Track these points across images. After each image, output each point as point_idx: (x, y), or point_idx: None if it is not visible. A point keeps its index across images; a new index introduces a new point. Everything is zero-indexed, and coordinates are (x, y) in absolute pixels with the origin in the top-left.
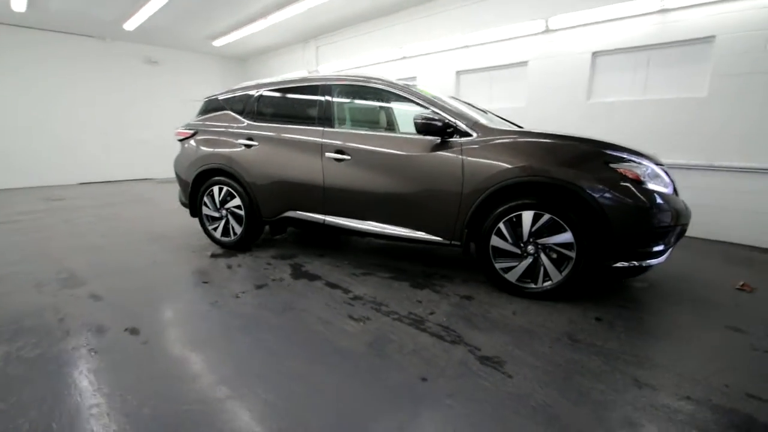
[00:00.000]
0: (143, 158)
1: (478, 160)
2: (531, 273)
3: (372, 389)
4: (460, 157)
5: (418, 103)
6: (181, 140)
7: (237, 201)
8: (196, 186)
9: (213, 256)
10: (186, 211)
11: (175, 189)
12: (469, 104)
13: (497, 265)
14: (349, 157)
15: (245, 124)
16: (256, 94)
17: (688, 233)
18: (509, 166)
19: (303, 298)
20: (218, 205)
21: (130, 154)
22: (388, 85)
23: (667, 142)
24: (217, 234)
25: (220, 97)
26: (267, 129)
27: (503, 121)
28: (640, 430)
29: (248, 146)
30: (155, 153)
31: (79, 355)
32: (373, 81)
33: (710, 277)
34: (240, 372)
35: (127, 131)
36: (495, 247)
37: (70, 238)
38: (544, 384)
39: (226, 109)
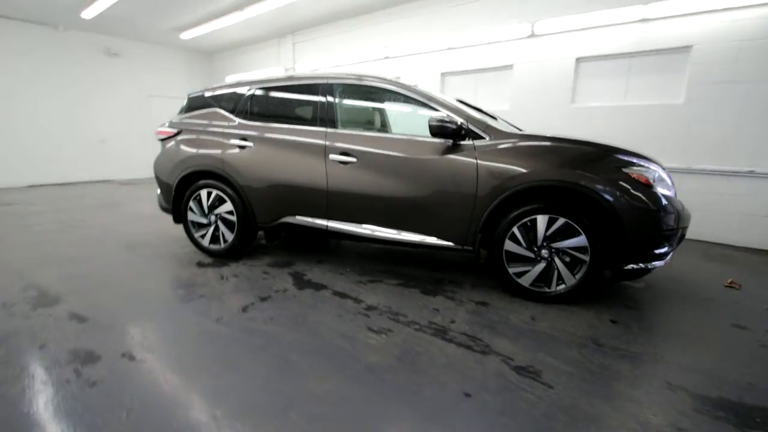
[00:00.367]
0: (103, 158)
1: (493, 163)
2: (544, 277)
3: (417, 408)
4: (475, 160)
5: (428, 105)
6: (162, 140)
7: (228, 206)
8: (181, 190)
9: (201, 265)
10: (165, 217)
11: (144, 192)
12: (478, 108)
13: (511, 270)
14: (355, 160)
15: (236, 123)
16: (249, 92)
17: None
18: (526, 170)
19: (314, 309)
20: (206, 211)
21: (88, 154)
22: (396, 86)
23: (646, 146)
24: (205, 242)
25: (207, 94)
26: (263, 129)
27: (509, 125)
28: None
29: (242, 147)
30: (116, 153)
31: (74, 390)
32: (381, 81)
33: (698, 276)
34: (271, 398)
35: (83, 129)
36: (508, 252)
37: (31, 249)
38: (586, 393)
39: (214, 106)
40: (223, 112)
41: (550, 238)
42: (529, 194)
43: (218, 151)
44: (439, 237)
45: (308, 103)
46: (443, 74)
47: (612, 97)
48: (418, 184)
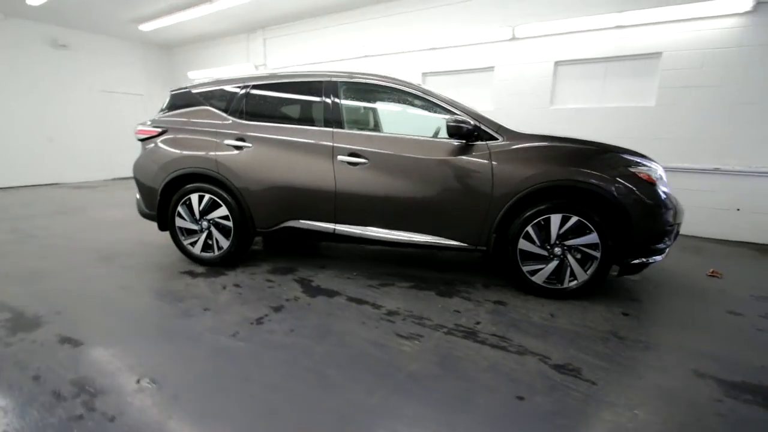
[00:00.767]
0: (52, 159)
1: (508, 164)
2: (557, 274)
3: (475, 417)
4: (489, 161)
5: (440, 106)
6: (143, 140)
7: (223, 210)
8: (167, 194)
9: (194, 275)
10: (139, 223)
11: (107, 195)
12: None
13: (524, 269)
14: (366, 161)
15: (230, 122)
16: (244, 89)
17: None
18: (541, 171)
19: (334, 318)
20: (198, 216)
21: (34, 154)
22: (405, 86)
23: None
24: (196, 249)
25: (194, 91)
26: (262, 129)
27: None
28: (736, 419)
29: (238, 148)
30: (67, 153)
31: (93, 428)
32: (389, 81)
33: (680, 266)
34: (324, 418)
35: (28, 126)
36: (522, 251)
37: None
38: (627, 387)
39: (203, 104)
40: (214, 110)
41: (562, 236)
42: (542, 194)
43: (211, 153)
44: (452, 238)
45: (312, 101)
46: (425, 74)
47: (589, 100)
48: (433, 185)
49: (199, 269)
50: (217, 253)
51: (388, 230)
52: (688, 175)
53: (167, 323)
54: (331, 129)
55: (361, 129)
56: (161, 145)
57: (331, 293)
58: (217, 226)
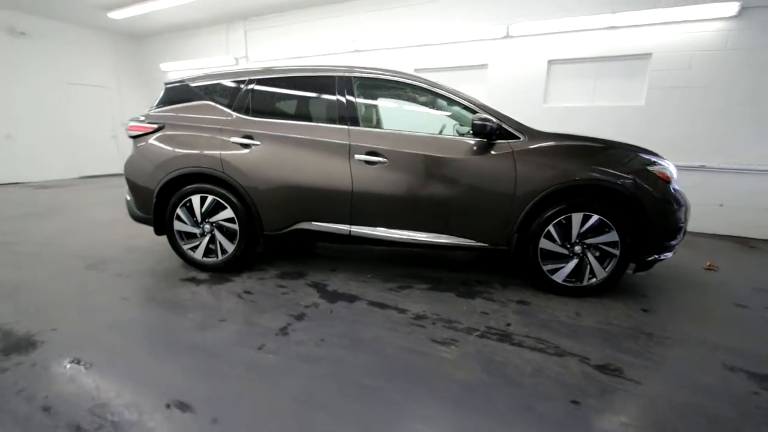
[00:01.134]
0: (9, 157)
1: (531, 162)
2: (576, 272)
3: (540, 426)
4: (513, 159)
5: (461, 104)
6: (136, 137)
7: (228, 212)
8: (165, 195)
9: (198, 282)
10: (124, 226)
11: (81, 195)
12: None
13: (545, 267)
14: (385, 160)
15: (234, 118)
16: (250, 83)
17: None
18: (564, 170)
19: (361, 325)
20: (200, 219)
21: None
22: (423, 82)
23: None
24: (197, 254)
25: (193, 84)
26: (273, 126)
27: None
28: None
29: (246, 146)
30: (27, 150)
31: None
32: (407, 77)
33: (677, 260)
34: None
35: None
36: (543, 250)
37: None
38: (672, 385)
39: (203, 99)
40: (216, 105)
41: (582, 235)
42: (563, 193)
43: (216, 151)
44: (474, 238)
45: (324, 97)
46: (417, 70)
47: (581, 98)
48: (455, 185)
49: (202, 276)
50: (221, 258)
51: (407, 231)
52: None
53: (183, 337)
54: (346, 126)
55: (377, 126)
56: (158, 142)
57: (350, 298)
58: (221, 229)
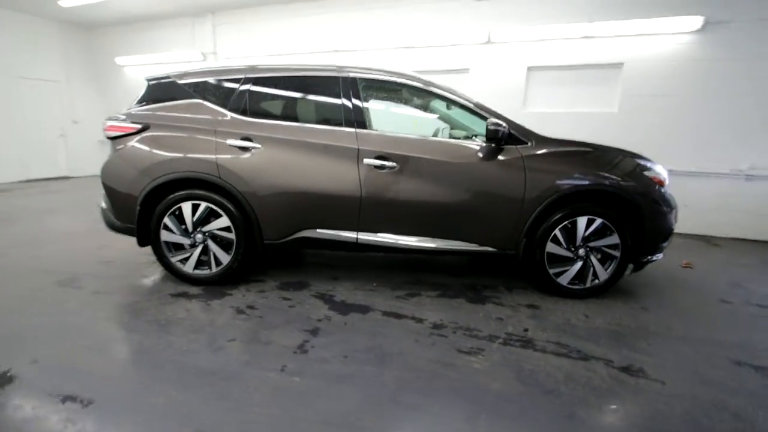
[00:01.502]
0: None
1: (540, 168)
2: (580, 275)
3: None
4: (522, 164)
5: (469, 108)
6: (115, 138)
7: (224, 221)
8: (151, 203)
9: (191, 298)
10: (90, 235)
11: (32, 201)
12: None
13: (551, 271)
14: (395, 165)
15: (229, 118)
16: (246, 82)
17: None
18: (572, 175)
19: (382, 337)
20: (191, 228)
21: None
22: (430, 85)
23: None
24: (188, 267)
25: (181, 81)
26: (274, 128)
27: None
28: None
29: (245, 149)
30: None
31: None
32: (416, 80)
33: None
34: None
35: None
36: (549, 253)
37: None
38: (691, 383)
39: (193, 97)
40: (209, 104)
41: (586, 238)
42: (569, 198)
43: (210, 154)
44: (482, 243)
45: (328, 98)
46: None
47: (559, 104)
48: (466, 190)
49: (194, 290)
50: (215, 270)
51: (416, 238)
52: None
53: (191, 361)
54: (353, 129)
55: (383, 130)
56: (142, 144)
57: (362, 309)
58: (215, 239)
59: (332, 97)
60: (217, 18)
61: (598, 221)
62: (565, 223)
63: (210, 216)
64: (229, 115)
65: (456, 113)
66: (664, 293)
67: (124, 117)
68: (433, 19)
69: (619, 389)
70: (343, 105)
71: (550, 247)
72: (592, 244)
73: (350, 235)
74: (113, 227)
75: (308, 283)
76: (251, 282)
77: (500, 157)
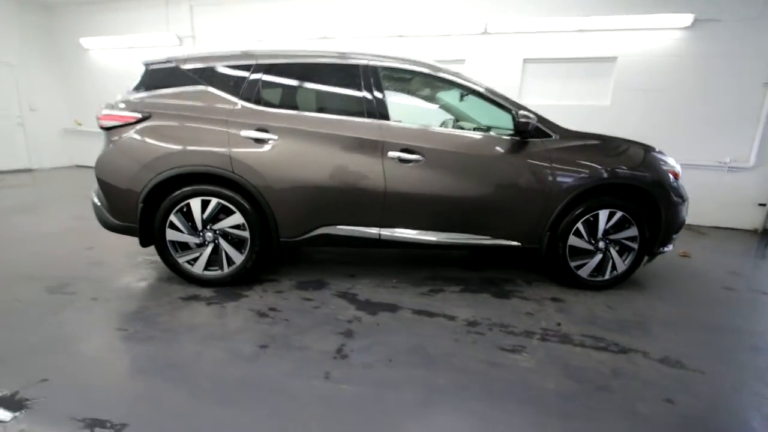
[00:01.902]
0: None
1: (566, 161)
2: (599, 267)
3: (655, 429)
4: (549, 158)
5: (493, 100)
6: (111, 128)
7: (237, 218)
8: (154, 199)
9: (205, 301)
10: (65, 236)
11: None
12: None
13: (572, 264)
14: (421, 158)
15: (240, 107)
16: (259, 68)
17: None
18: (597, 168)
19: (420, 337)
20: (200, 226)
21: None
22: (456, 76)
23: None
24: (197, 268)
25: (185, 67)
26: (292, 119)
27: None
28: None
29: (260, 141)
30: None
31: None
32: (438, 70)
33: None
34: None
35: None
36: (571, 246)
37: None
38: (725, 370)
39: (200, 84)
40: (218, 92)
41: (606, 231)
42: (591, 191)
43: (223, 147)
44: (507, 238)
45: (348, 87)
46: None
47: (553, 97)
48: (494, 183)
49: (205, 292)
50: (227, 270)
51: (440, 233)
52: None
53: (228, 373)
54: (377, 121)
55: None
56: (143, 136)
57: (390, 307)
58: (229, 237)
59: (353, 86)
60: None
61: (619, 214)
62: (587, 216)
63: (221, 213)
64: (240, 103)
65: (472, 105)
66: (672, 283)
67: (122, 105)
68: (429, 7)
69: (665, 381)
70: (365, 95)
71: (573, 240)
72: (612, 237)
73: (372, 231)
74: (109, 226)
75: (326, 281)
76: (265, 282)
77: (527, 151)
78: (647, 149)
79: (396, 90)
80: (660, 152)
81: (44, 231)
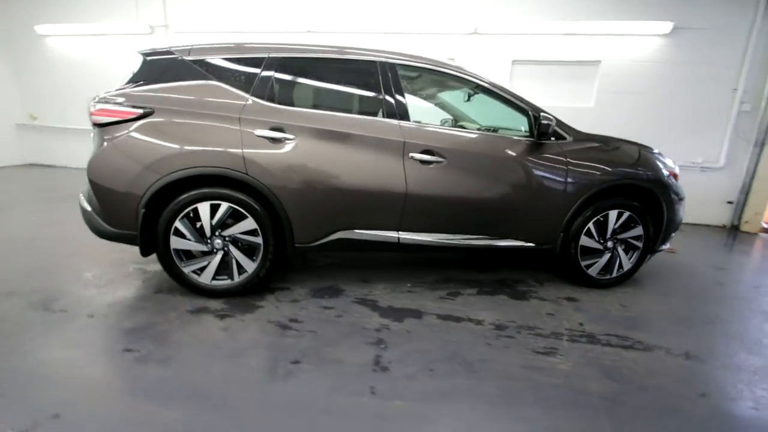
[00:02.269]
0: None
1: (580, 163)
2: (607, 266)
3: (700, 426)
4: (565, 159)
5: (511, 102)
6: (106, 125)
7: (249, 223)
8: (157, 204)
9: (216, 314)
10: (37, 243)
11: None
12: None
13: (583, 263)
14: (442, 160)
15: (251, 103)
16: (271, 63)
17: None
18: (610, 169)
19: (454, 344)
20: (209, 233)
21: None
22: (473, 77)
23: None
24: (204, 278)
25: (188, 58)
26: (310, 118)
27: None
28: None
29: (276, 140)
30: None
31: None
32: (461, 71)
33: None
34: None
35: None
36: (583, 246)
37: None
38: (743, 369)
39: (207, 78)
40: (226, 87)
41: (614, 231)
42: (603, 192)
43: (236, 148)
44: (525, 240)
45: (366, 86)
46: None
47: (541, 98)
48: (515, 186)
49: (215, 304)
50: (237, 279)
51: (462, 236)
52: None
53: (268, 395)
54: (397, 121)
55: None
56: (145, 134)
57: (414, 313)
58: (239, 243)
59: (372, 84)
60: None
61: (626, 214)
62: (598, 216)
63: (232, 218)
64: (251, 99)
65: (482, 105)
66: (667, 279)
67: (121, 99)
68: (419, 5)
69: (693, 377)
70: (385, 94)
71: (584, 241)
72: (620, 236)
73: (392, 234)
74: (102, 234)
75: (340, 287)
76: (276, 290)
77: (546, 152)
78: (649, 151)
79: (420, 89)
80: (659, 153)
81: (9, 237)
